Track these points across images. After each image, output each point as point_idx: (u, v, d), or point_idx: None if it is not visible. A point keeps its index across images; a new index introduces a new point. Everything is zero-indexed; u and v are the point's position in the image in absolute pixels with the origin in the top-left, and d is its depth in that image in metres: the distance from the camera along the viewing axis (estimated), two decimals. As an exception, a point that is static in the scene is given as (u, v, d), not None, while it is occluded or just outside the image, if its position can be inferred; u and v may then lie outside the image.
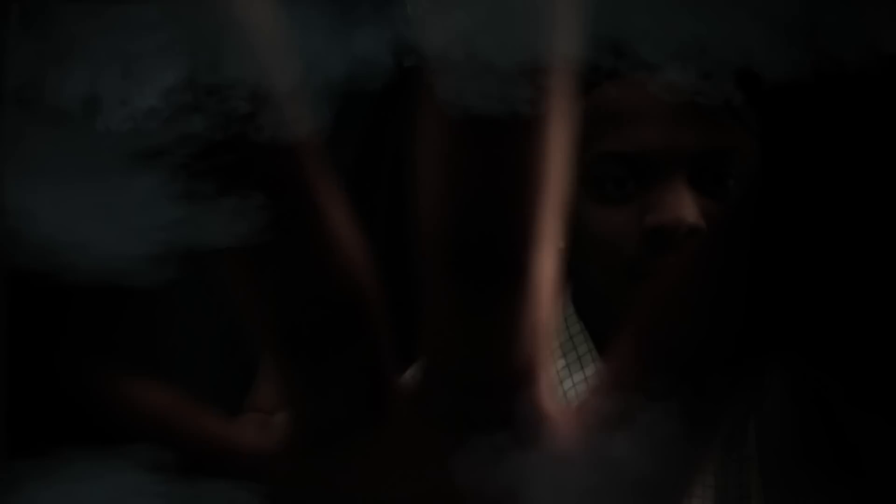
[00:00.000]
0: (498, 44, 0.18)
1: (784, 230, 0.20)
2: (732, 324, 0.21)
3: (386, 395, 0.21)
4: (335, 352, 0.20)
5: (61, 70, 0.19)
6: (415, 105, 0.19)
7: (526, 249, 0.20)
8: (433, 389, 0.21)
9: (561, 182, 0.20)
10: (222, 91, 0.18)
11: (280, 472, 0.22)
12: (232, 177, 0.19)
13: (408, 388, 0.22)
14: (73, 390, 0.22)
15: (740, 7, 0.21)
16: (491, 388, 0.21)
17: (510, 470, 0.21)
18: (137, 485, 0.21)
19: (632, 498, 0.21)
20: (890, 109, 0.20)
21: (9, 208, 0.19)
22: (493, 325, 0.20)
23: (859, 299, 0.21)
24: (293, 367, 0.21)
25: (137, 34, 0.18)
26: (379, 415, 0.21)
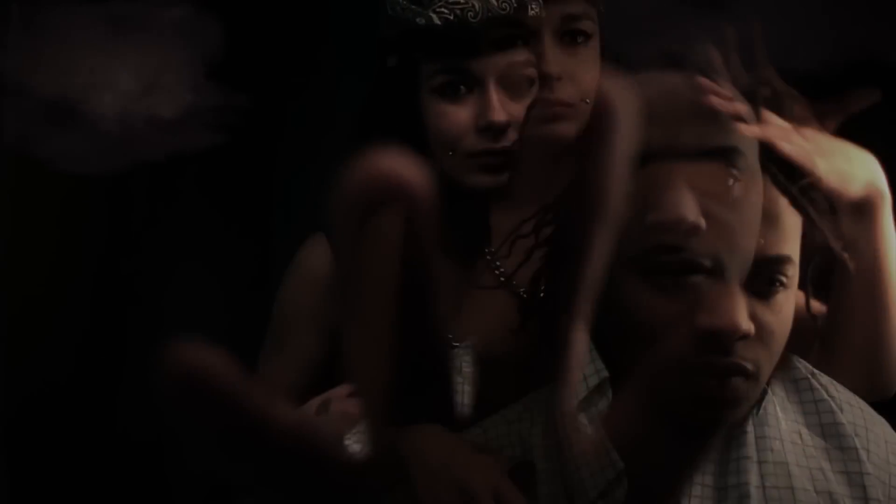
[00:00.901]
0: None
1: None
2: None
3: (453, 423, 0.27)
4: (424, 389, 0.26)
5: (59, 66, 0.19)
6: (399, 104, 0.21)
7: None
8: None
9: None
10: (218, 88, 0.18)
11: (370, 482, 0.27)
12: None
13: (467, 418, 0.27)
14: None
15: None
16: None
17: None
18: None
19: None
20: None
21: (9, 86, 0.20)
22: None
23: None
24: (394, 398, 0.26)
25: (135, 31, 0.19)
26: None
